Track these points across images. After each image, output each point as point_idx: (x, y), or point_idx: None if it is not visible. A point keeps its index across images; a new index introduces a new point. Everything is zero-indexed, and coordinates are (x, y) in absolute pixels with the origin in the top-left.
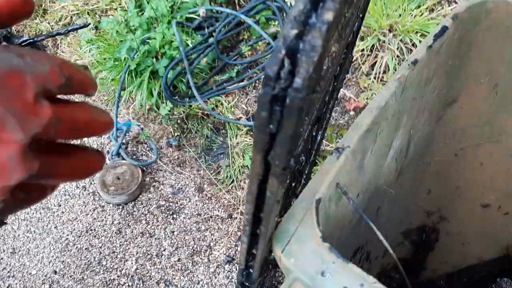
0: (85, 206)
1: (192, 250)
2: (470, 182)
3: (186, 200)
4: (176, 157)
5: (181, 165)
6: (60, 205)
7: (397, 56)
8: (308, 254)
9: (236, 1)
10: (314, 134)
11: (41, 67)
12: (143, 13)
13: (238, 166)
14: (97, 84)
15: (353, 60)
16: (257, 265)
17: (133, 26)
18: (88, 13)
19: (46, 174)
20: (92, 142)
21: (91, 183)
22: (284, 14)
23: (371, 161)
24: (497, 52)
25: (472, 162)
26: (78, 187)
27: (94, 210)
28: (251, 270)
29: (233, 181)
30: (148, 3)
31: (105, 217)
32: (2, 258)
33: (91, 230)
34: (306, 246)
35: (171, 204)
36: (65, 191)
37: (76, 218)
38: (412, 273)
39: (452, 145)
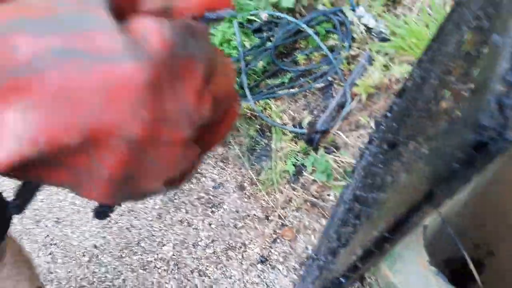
0: None
1: (227, 245)
2: None
3: (226, 195)
4: (220, 153)
5: (224, 161)
6: None
7: None
8: (415, 275)
9: (298, 10)
10: None
11: (208, 49)
12: None
13: (280, 171)
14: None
15: None
16: (355, 276)
17: None
18: None
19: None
20: None
21: None
22: (345, 29)
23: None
24: None
25: None
26: None
27: None
28: (342, 280)
29: (273, 183)
30: None
31: (147, 200)
32: (46, 226)
33: (133, 211)
34: (412, 267)
35: (211, 197)
36: None
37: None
38: None
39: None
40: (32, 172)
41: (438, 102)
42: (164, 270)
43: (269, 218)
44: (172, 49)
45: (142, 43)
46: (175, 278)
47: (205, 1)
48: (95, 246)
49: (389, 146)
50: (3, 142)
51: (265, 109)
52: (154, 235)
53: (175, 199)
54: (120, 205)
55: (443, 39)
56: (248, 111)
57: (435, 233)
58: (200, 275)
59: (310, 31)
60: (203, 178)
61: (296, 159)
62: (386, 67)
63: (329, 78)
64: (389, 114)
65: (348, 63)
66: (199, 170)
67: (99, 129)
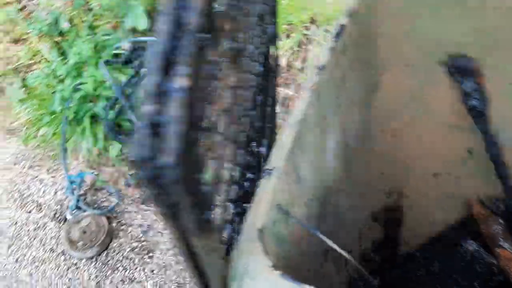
0: (58, 269)
1: (177, 285)
2: (414, 157)
3: (158, 236)
4: (138, 196)
5: (145, 203)
6: (31, 275)
7: None
8: (266, 285)
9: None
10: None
11: None
12: (68, 61)
13: None
14: None
15: (279, 62)
16: None
17: (61, 75)
18: (12, 72)
19: None
20: (48, 201)
21: (57, 244)
22: None
23: (307, 170)
24: (402, 33)
25: (410, 138)
26: (45, 251)
27: (68, 269)
28: None
29: None
30: (71, 48)
31: (81, 274)
32: None
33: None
34: (260, 279)
35: (144, 243)
36: (33, 258)
37: (51, 283)
38: (390, 250)
39: (387, 127)
40: None
41: None
42: None
43: None
44: None
45: None
46: None
47: None
48: None
49: None
50: None
51: None
52: None
53: (109, 261)
54: None
55: None
56: None
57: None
58: None
59: None
60: (130, 228)
61: None
62: None
63: None
64: None
65: None
66: (123, 221)
67: None
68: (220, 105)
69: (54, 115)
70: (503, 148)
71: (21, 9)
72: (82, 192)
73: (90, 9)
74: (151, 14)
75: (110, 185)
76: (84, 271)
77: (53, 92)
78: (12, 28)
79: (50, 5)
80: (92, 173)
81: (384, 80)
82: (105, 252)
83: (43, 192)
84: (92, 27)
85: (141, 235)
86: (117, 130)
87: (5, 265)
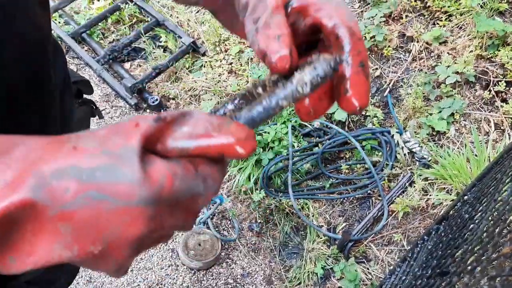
0: (162, 260)
1: None
2: None
3: (252, 286)
4: (253, 242)
5: (256, 251)
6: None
7: None
8: None
9: (347, 123)
10: None
11: (214, 188)
12: None
13: (308, 271)
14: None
15: None
16: None
17: None
18: (214, 93)
19: None
20: None
21: (173, 240)
22: (390, 148)
23: None
24: None
25: None
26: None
27: (169, 266)
28: None
29: (300, 283)
30: None
31: (176, 276)
32: (78, 283)
33: (161, 284)
34: None
35: (238, 285)
36: None
37: (152, 268)
38: None
39: None
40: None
41: (498, 247)
42: None
43: None
44: (177, 194)
45: (156, 189)
46: None
47: (218, 148)
48: None
49: (439, 274)
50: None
51: (303, 208)
52: None
53: (203, 280)
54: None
55: (489, 184)
56: (287, 207)
57: None
58: None
59: (357, 145)
60: (233, 265)
61: (326, 263)
62: (425, 191)
63: (369, 191)
64: (426, 238)
65: (389, 181)
66: (231, 256)
67: (114, 241)
68: None
69: None
70: None
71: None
72: (213, 212)
73: None
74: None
75: (237, 220)
76: (181, 276)
77: None
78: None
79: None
80: (230, 202)
81: None
82: (205, 271)
83: None
84: None
85: (239, 276)
86: (268, 182)
87: None
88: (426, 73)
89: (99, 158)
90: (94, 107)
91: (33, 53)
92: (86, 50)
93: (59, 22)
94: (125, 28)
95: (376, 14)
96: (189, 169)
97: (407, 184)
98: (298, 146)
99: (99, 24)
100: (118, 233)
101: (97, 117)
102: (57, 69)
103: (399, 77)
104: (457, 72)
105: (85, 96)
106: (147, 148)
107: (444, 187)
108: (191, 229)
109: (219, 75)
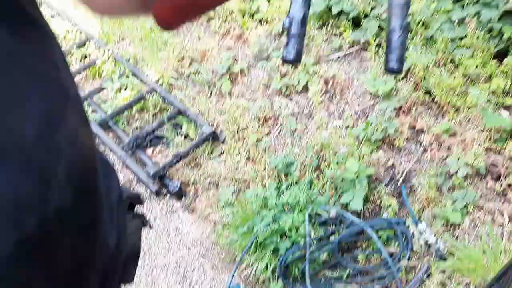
0: None
1: None
2: None
3: None
4: None
5: None
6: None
7: None
8: None
9: (363, 212)
10: None
11: None
12: (280, 195)
13: None
14: None
15: None
16: None
17: (271, 205)
18: (232, 179)
19: None
20: None
21: None
22: (406, 239)
23: None
24: None
25: None
26: None
27: None
28: None
29: None
30: (287, 189)
31: None
32: None
33: None
34: None
35: None
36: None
37: None
38: None
39: None
40: None
41: None
42: None
43: None
44: None
45: None
46: None
47: None
48: None
49: None
50: None
51: None
52: None
53: None
54: None
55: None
56: None
57: None
58: None
59: (374, 235)
60: None
61: None
62: (443, 284)
63: (386, 282)
64: None
65: (406, 272)
66: None
67: None
68: None
69: (247, 230)
70: None
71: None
72: None
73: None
74: (368, 199)
75: None
76: None
77: (257, 213)
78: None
79: (292, 151)
80: None
81: None
82: None
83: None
84: (311, 182)
85: None
86: (286, 271)
87: None
88: (437, 164)
89: None
90: (145, 219)
91: (81, 178)
92: (111, 137)
93: (88, 111)
94: (149, 116)
95: (387, 107)
96: None
97: (424, 276)
98: (314, 235)
99: (125, 111)
100: None
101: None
102: (112, 187)
103: (411, 167)
104: (467, 164)
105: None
106: None
107: (463, 280)
108: None
109: (237, 162)
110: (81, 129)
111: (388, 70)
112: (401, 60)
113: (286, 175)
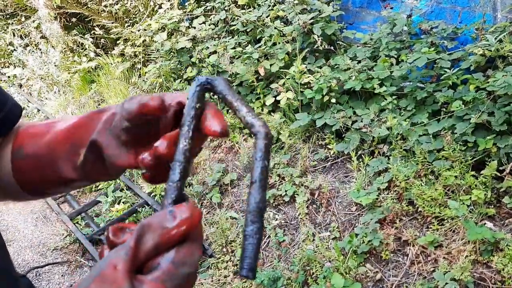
0: None
1: None
2: None
3: None
4: None
5: None
6: None
7: None
8: None
9: None
10: None
11: (194, 264)
12: None
13: None
14: None
15: None
16: None
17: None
18: None
19: None
20: None
21: None
22: None
23: None
24: None
25: None
26: None
27: None
28: None
29: None
30: None
31: None
32: None
33: None
34: None
35: None
36: None
37: None
38: None
39: None
40: None
41: None
42: None
43: None
44: None
45: None
46: None
47: (180, 232)
48: None
49: None
50: None
51: None
52: None
53: None
54: None
55: None
56: None
57: None
58: None
59: None
60: None
61: None
62: None
63: None
64: None
65: None
66: None
67: None
68: None
69: None
70: None
71: None
72: None
73: None
74: None
75: None
76: None
77: None
78: None
79: (278, 265)
80: None
81: None
82: None
83: None
84: None
85: None
86: None
87: None
88: (425, 277)
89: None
90: None
91: None
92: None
93: (80, 224)
94: None
95: (371, 219)
96: (170, 268)
97: None
98: None
99: None
100: None
101: None
102: None
103: (399, 281)
104: (455, 279)
105: None
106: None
107: None
108: None
109: (224, 277)
110: None
111: (242, 276)
112: (253, 269)
113: None
